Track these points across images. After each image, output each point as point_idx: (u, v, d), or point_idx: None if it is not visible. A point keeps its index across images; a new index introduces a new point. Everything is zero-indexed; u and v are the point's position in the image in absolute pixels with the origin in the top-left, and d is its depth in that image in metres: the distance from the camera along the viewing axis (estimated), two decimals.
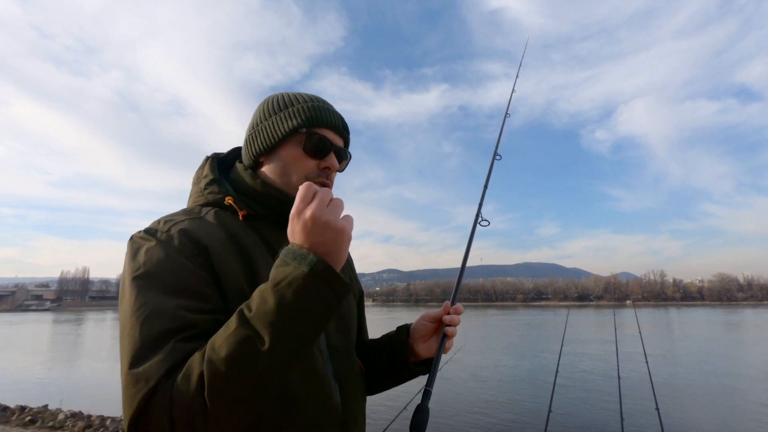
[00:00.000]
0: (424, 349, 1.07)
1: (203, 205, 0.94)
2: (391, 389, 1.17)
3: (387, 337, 1.15)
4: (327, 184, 0.95)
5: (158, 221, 0.86)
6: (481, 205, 1.34)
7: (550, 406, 3.01)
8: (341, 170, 1.04)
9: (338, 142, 0.99)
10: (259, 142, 0.97)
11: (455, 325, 1.04)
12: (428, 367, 1.02)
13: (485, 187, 1.40)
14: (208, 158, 1.02)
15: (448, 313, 1.05)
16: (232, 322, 0.66)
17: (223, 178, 0.99)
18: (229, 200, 0.91)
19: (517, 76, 1.77)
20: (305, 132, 0.94)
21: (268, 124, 0.97)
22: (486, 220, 1.31)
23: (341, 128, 0.99)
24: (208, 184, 0.95)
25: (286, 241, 0.92)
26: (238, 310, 0.68)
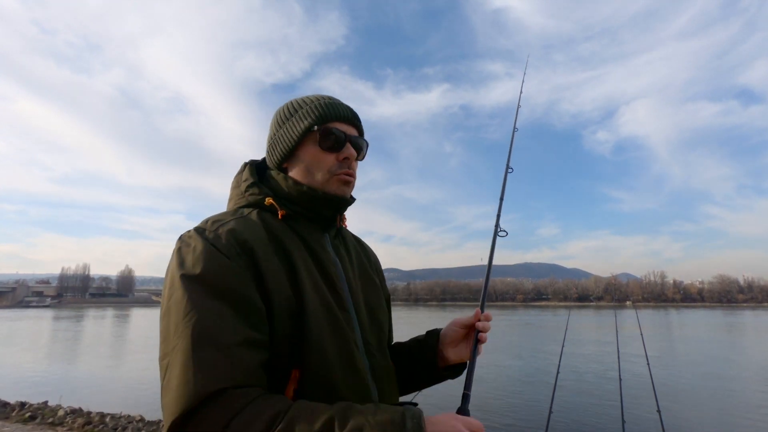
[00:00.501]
0: (453, 353, 1.10)
1: (244, 207, 1.00)
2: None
3: (416, 341, 1.19)
4: (351, 173, 1.02)
5: (206, 221, 0.92)
6: (498, 216, 1.40)
7: (550, 408, 3.00)
8: (361, 158, 1.08)
9: (352, 132, 1.04)
10: (279, 149, 1.04)
11: (487, 331, 1.08)
12: (454, 372, 1.12)
13: (501, 199, 1.46)
14: (246, 164, 1.09)
15: (480, 321, 1.09)
16: (319, 421, 0.68)
17: (262, 182, 1.05)
18: (269, 200, 0.97)
19: (521, 93, 1.82)
20: (318, 129, 0.99)
21: (284, 131, 1.04)
22: (504, 231, 1.37)
23: (352, 118, 1.04)
24: (249, 187, 1.01)
25: (320, 237, 1.00)
26: (330, 416, 0.69)
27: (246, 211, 0.97)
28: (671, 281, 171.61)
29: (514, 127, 1.63)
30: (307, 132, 1.00)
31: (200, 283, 0.77)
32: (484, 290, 1.18)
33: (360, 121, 1.08)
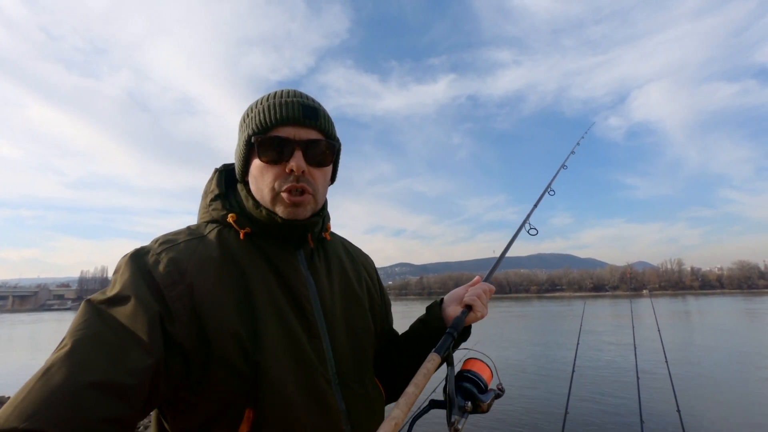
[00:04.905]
0: (452, 311, 1.04)
1: (209, 222, 0.92)
2: None
3: (418, 320, 1.11)
4: (304, 188, 0.87)
5: (157, 240, 0.85)
6: (529, 215, 1.47)
7: (566, 408, 2.95)
8: (323, 164, 0.91)
9: (302, 135, 0.87)
10: (237, 162, 0.95)
11: (477, 297, 1.02)
12: (465, 332, 1.06)
13: (535, 206, 1.53)
14: (216, 170, 1.00)
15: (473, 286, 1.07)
16: None
17: (231, 193, 0.97)
18: (231, 218, 0.89)
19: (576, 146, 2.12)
20: (255, 141, 0.87)
21: (238, 141, 0.94)
22: (534, 228, 1.44)
23: (300, 118, 0.87)
24: (212, 200, 0.95)
25: (291, 256, 0.91)
26: None
27: (208, 227, 0.90)
28: (689, 268, 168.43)
29: (563, 165, 1.87)
30: (249, 145, 0.89)
31: (97, 311, 0.71)
32: (497, 262, 1.25)
33: (319, 119, 0.89)
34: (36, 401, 0.59)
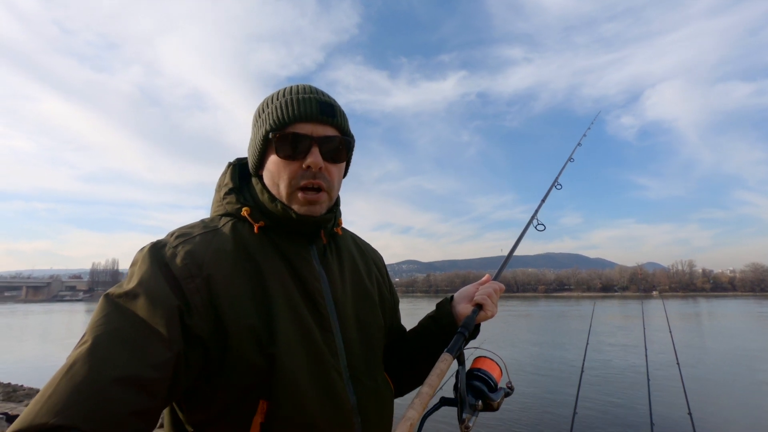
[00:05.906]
0: (462, 308, 1.04)
1: (223, 215, 0.94)
2: None
3: (428, 317, 1.11)
4: (321, 185, 0.89)
5: (172, 233, 0.86)
6: (537, 211, 1.46)
7: (575, 409, 2.92)
8: (339, 160, 0.93)
9: (322, 131, 0.89)
10: (251, 156, 0.97)
11: (487, 296, 1.02)
12: (475, 330, 1.05)
13: (542, 201, 1.52)
14: (230, 164, 1.02)
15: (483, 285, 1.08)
16: None
17: (245, 187, 0.98)
18: (245, 212, 0.91)
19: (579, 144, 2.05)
20: (273, 137, 0.88)
21: (252, 137, 0.96)
22: (542, 224, 1.43)
23: (318, 115, 0.88)
24: (226, 194, 0.96)
25: (304, 250, 0.92)
26: None
27: (222, 221, 0.91)
28: (700, 270, 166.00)
29: (570, 157, 1.84)
30: (266, 140, 0.90)
31: (116, 305, 0.72)
32: (505, 260, 1.25)
33: (336, 116, 0.91)
34: (63, 397, 0.60)
